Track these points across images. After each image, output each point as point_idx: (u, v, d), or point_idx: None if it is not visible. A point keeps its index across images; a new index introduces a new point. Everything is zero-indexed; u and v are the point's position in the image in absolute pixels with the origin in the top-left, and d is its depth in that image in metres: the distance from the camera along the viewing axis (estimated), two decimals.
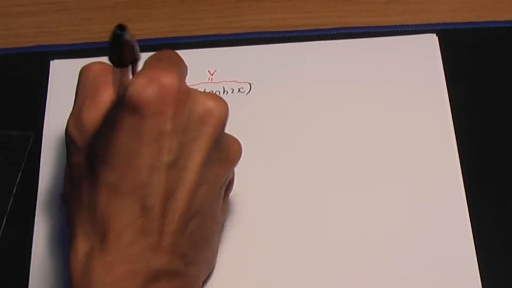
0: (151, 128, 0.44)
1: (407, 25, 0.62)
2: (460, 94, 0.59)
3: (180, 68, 0.47)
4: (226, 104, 0.47)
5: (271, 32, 0.63)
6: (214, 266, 0.52)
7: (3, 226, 0.55)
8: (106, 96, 0.47)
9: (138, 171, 0.44)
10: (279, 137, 0.58)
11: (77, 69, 0.61)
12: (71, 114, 0.49)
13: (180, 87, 0.45)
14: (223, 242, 0.53)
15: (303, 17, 0.64)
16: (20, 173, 0.57)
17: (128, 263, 0.44)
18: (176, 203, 0.45)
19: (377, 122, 0.58)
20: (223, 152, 0.47)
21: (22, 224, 0.55)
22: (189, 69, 0.49)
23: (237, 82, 0.60)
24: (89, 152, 0.47)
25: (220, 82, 0.60)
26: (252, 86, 0.60)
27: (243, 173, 0.51)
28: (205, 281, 0.52)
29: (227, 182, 0.50)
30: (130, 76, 0.44)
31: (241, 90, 0.60)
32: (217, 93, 0.59)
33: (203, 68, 0.60)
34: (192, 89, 0.46)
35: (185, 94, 0.45)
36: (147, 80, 0.45)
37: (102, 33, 0.64)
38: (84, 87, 0.50)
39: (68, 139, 0.49)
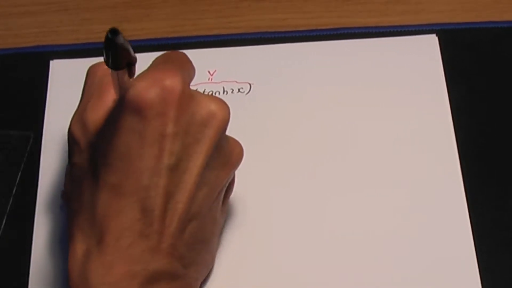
0: (153, 130, 0.44)
1: (407, 25, 0.62)
2: (460, 94, 0.59)
3: (186, 70, 0.47)
4: (228, 107, 0.47)
5: (271, 32, 0.63)
6: (212, 267, 0.52)
7: (3, 226, 0.55)
8: (111, 96, 0.47)
9: (139, 173, 0.44)
10: (279, 137, 0.58)
11: (77, 69, 0.61)
12: (75, 113, 0.49)
13: (183, 89, 0.45)
14: (221, 243, 0.53)
15: (303, 17, 0.64)
16: (20, 173, 0.57)
17: (127, 264, 0.44)
18: (176, 205, 0.45)
19: (377, 123, 0.58)
20: (225, 155, 0.47)
21: (22, 224, 0.55)
22: None
23: (237, 82, 0.60)
24: (91, 152, 0.47)
25: (220, 83, 0.60)
26: (252, 86, 0.60)
27: (242, 174, 0.51)
28: (203, 282, 0.52)
29: (227, 185, 0.50)
30: (128, 78, 0.44)
31: (241, 90, 0.60)
32: (217, 93, 0.59)
33: (203, 68, 0.60)
34: (195, 91, 0.46)
35: (188, 97, 0.45)
36: (150, 81, 0.45)
37: (102, 33, 0.63)
38: (90, 87, 0.50)
39: (71, 138, 0.49)
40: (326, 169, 0.56)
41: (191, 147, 0.45)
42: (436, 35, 0.61)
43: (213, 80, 0.60)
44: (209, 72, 0.60)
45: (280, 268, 0.53)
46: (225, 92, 0.60)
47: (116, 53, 0.42)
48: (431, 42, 0.61)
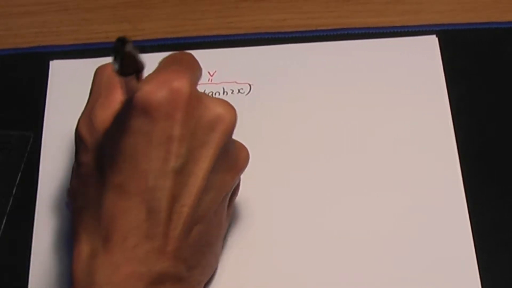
0: (160, 132, 0.44)
1: (407, 26, 0.62)
2: (460, 94, 0.59)
3: (193, 71, 0.47)
4: (235, 111, 0.47)
5: (271, 33, 0.63)
6: (216, 269, 0.52)
7: (3, 226, 0.55)
8: (119, 96, 0.47)
9: (145, 175, 0.44)
10: (279, 138, 0.58)
11: (77, 69, 0.61)
12: (82, 113, 0.49)
13: (190, 91, 0.45)
14: (225, 245, 0.53)
15: (303, 18, 0.64)
16: (20, 173, 0.57)
17: (133, 265, 0.44)
18: (181, 208, 0.45)
19: (377, 123, 0.58)
20: (231, 159, 0.47)
21: (22, 224, 0.55)
22: None
23: (236, 83, 0.60)
24: (98, 152, 0.47)
25: (219, 83, 0.60)
26: (251, 87, 0.60)
27: (242, 174, 0.51)
28: (207, 284, 0.52)
29: (233, 189, 0.50)
30: (135, 83, 0.44)
31: (241, 91, 0.60)
32: (217, 94, 0.59)
33: (203, 69, 0.60)
34: (202, 94, 0.46)
35: (196, 99, 0.45)
36: (157, 83, 0.45)
37: (102, 33, 0.64)
38: (98, 86, 0.50)
39: (78, 137, 0.49)
40: (326, 169, 0.56)
41: (197, 150, 0.45)
42: (436, 36, 0.61)
43: (213, 81, 0.60)
44: (209, 72, 0.60)
45: (283, 269, 0.53)
46: (225, 93, 0.60)
47: (124, 60, 0.42)
48: (431, 42, 0.61)
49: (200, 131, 0.45)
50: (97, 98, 0.48)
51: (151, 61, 0.47)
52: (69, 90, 0.60)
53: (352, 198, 0.55)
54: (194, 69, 0.48)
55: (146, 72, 0.45)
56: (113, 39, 0.63)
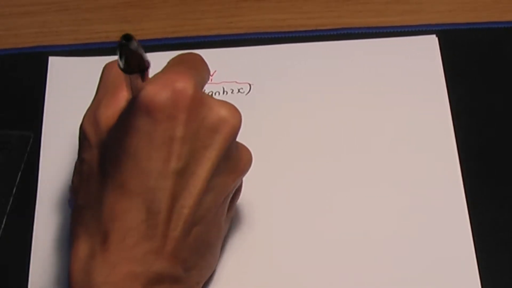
0: (162, 133, 0.44)
1: (407, 26, 0.62)
2: (460, 94, 0.59)
3: (199, 72, 0.47)
4: (239, 114, 0.47)
5: (271, 33, 0.63)
6: (215, 270, 0.52)
7: (3, 226, 0.55)
8: (124, 95, 0.47)
9: (146, 175, 0.44)
10: (278, 137, 0.58)
11: (75, 67, 0.61)
12: (88, 109, 0.49)
13: (194, 93, 0.45)
14: (225, 247, 0.53)
15: (303, 18, 0.64)
16: (20, 173, 0.57)
17: (131, 265, 0.44)
18: (181, 210, 0.45)
19: (377, 123, 0.58)
20: (233, 162, 0.47)
21: (22, 224, 0.55)
22: None
23: (236, 82, 0.60)
24: (101, 150, 0.47)
25: (219, 83, 0.60)
26: (251, 86, 0.60)
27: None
28: (206, 285, 0.52)
29: (234, 191, 0.49)
30: (140, 82, 0.44)
31: (240, 90, 0.60)
32: (217, 93, 0.59)
33: None
34: (207, 96, 0.46)
35: (199, 101, 0.45)
36: (162, 84, 0.44)
37: (102, 33, 0.64)
38: (104, 84, 0.50)
39: (82, 134, 0.49)
40: (326, 169, 0.56)
41: (199, 152, 0.45)
42: (436, 36, 0.61)
43: (213, 81, 0.60)
44: None
45: (283, 271, 0.53)
46: (225, 93, 0.60)
47: (129, 58, 0.42)
48: (431, 42, 0.61)
49: (203, 133, 0.45)
50: (103, 96, 0.48)
51: (151, 61, 0.48)
52: (68, 88, 0.60)
53: (351, 198, 0.55)
54: (201, 71, 0.48)
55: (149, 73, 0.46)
56: (113, 39, 0.64)
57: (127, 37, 0.41)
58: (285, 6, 0.64)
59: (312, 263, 0.53)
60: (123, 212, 0.44)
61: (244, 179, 0.50)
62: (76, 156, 0.56)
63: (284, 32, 0.63)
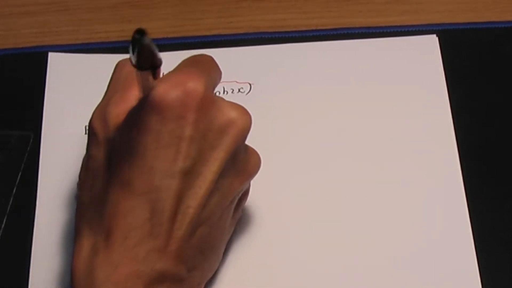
0: (170, 132, 0.44)
1: (407, 26, 0.62)
2: (460, 94, 0.59)
3: (211, 74, 0.47)
4: (249, 116, 0.46)
5: (271, 33, 0.63)
6: (217, 271, 0.52)
7: (3, 226, 0.55)
8: (134, 93, 0.47)
9: (152, 174, 0.44)
10: (279, 137, 0.58)
11: (75, 64, 0.61)
12: (97, 106, 0.49)
13: (204, 93, 0.45)
14: (230, 249, 0.53)
15: (303, 17, 0.64)
16: (20, 173, 0.57)
17: (133, 264, 0.44)
18: (186, 210, 0.45)
19: (377, 123, 0.58)
20: (241, 164, 0.47)
21: (22, 224, 0.55)
22: None
23: (237, 82, 0.60)
24: (108, 147, 0.47)
25: (220, 83, 0.60)
26: (252, 86, 0.60)
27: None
28: (207, 286, 0.51)
29: (240, 194, 0.49)
30: (152, 79, 0.44)
31: (241, 90, 0.60)
32: (217, 93, 0.59)
33: None
34: (217, 97, 0.46)
35: (209, 101, 0.45)
36: (172, 83, 0.44)
37: (102, 33, 0.64)
38: (115, 81, 0.49)
39: (91, 131, 0.48)
40: (326, 169, 0.56)
41: (207, 152, 0.45)
42: (436, 35, 0.61)
43: None
44: None
45: (286, 274, 0.53)
46: (225, 92, 0.60)
47: (141, 53, 0.41)
48: (431, 42, 0.61)
49: (211, 134, 0.45)
50: (113, 93, 0.48)
51: None
52: (68, 86, 0.60)
53: (351, 199, 0.55)
54: (212, 72, 0.48)
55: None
56: (113, 39, 0.64)
57: (141, 32, 0.40)
58: (285, 6, 0.64)
59: (316, 266, 0.53)
60: (127, 210, 0.44)
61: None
62: (75, 155, 0.57)
63: (284, 32, 0.63)
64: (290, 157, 0.57)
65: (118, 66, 0.50)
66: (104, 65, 0.60)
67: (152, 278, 0.44)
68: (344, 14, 0.64)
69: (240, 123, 0.46)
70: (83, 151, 0.57)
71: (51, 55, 0.61)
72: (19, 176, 0.57)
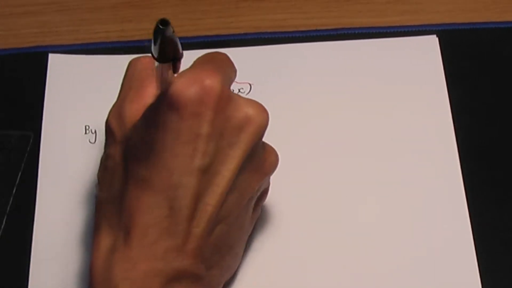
0: (188, 129, 0.44)
1: (407, 26, 0.62)
2: (460, 94, 0.59)
3: (227, 72, 0.47)
4: (267, 113, 0.46)
5: (271, 33, 0.63)
6: (237, 271, 0.52)
7: (3, 226, 0.55)
8: (150, 90, 0.47)
9: (170, 171, 0.44)
10: (279, 137, 0.58)
11: (75, 65, 0.61)
12: (113, 106, 0.49)
13: (222, 91, 0.45)
14: (249, 248, 0.53)
15: (303, 18, 0.64)
16: (20, 173, 0.57)
17: (151, 261, 0.44)
18: (205, 207, 0.45)
19: (377, 123, 0.58)
20: (258, 161, 0.47)
21: (22, 224, 0.55)
22: None
23: (237, 82, 0.60)
24: (126, 145, 0.47)
25: None
26: (252, 86, 0.60)
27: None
28: (226, 286, 0.51)
29: (259, 192, 0.49)
30: (171, 73, 0.44)
31: (241, 90, 0.60)
32: None
33: None
34: (234, 94, 0.46)
35: (226, 99, 0.45)
36: (190, 80, 0.44)
37: (102, 33, 0.64)
38: (130, 79, 0.49)
39: (108, 129, 0.48)
40: (326, 169, 0.56)
41: (225, 150, 0.45)
42: (436, 36, 0.61)
43: None
44: None
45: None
46: None
47: (164, 45, 0.41)
48: (431, 42, 0.61)
49: (228, 131, 0.45)
50: (128, 91, 0.48)
51: None
52: (68, 86, 0.60)
53: (351, 199, 0.55)
54: (228, 69, 0.48)
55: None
56: (113, 39, 0.64)
57: (164, 22, 0.40)
58: (285, 6, 0.64)
59: (315, 265, 0.53)
60: (145, 207, 0.44)
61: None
62: (75, 155, 0.57)
63: (284, 32, 0.63)
64: (290, 157, 0.57)
65: (131, 64, 0.50)
66: (103, 66, 0.60)
67: (170, 276, 0.44)
68: (344, 14, 0.64)
69: (257, 120, 0.46)
70: (83, 151, 0.57)
71: (51, 57, 0.61)
72: (19, 176, 0.57)
